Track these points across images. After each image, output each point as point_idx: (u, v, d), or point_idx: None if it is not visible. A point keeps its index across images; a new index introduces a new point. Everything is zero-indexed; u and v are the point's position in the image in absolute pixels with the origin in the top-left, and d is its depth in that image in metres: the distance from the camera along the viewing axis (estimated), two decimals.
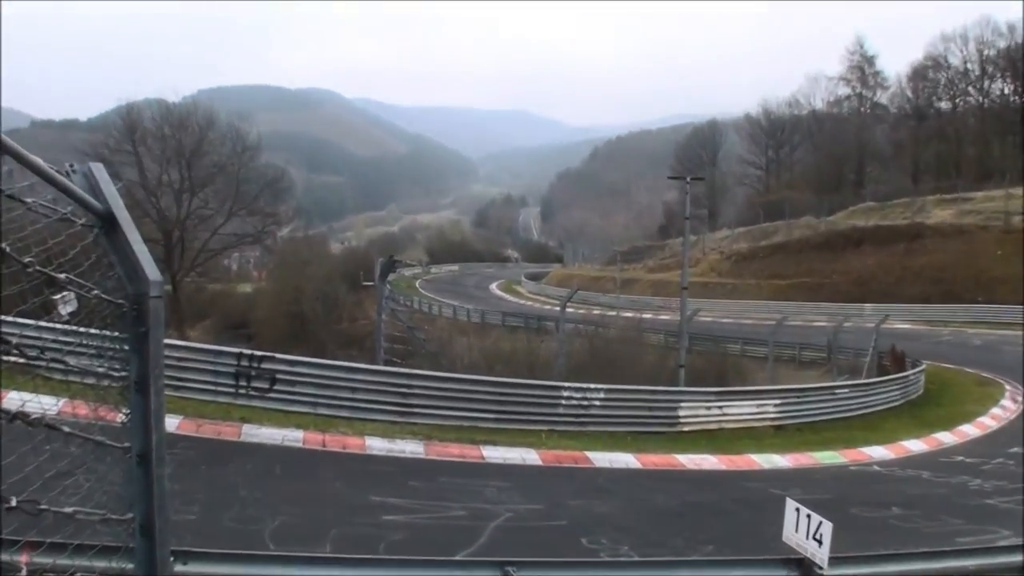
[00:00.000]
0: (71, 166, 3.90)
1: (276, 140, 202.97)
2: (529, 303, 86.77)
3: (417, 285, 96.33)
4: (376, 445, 20.49)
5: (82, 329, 4.06)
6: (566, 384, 26.20)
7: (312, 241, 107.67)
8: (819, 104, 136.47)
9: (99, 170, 4.05)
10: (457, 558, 11.19)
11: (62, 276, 3.59)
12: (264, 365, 22.26)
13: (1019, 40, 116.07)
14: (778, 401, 30.06)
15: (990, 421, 31.95)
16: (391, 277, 33.76)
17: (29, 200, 3.38)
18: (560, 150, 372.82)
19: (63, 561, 4.30)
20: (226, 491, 14.94)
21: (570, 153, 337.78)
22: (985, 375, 41.80)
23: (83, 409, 4.17)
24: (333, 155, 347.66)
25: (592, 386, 26.13)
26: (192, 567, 7.28)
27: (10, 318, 3.61)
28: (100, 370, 4.25)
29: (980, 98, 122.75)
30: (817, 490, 19.91)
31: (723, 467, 23.22)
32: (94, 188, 3.98)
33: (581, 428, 25.03)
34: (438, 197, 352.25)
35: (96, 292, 3.92)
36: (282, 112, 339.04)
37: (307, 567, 7.69)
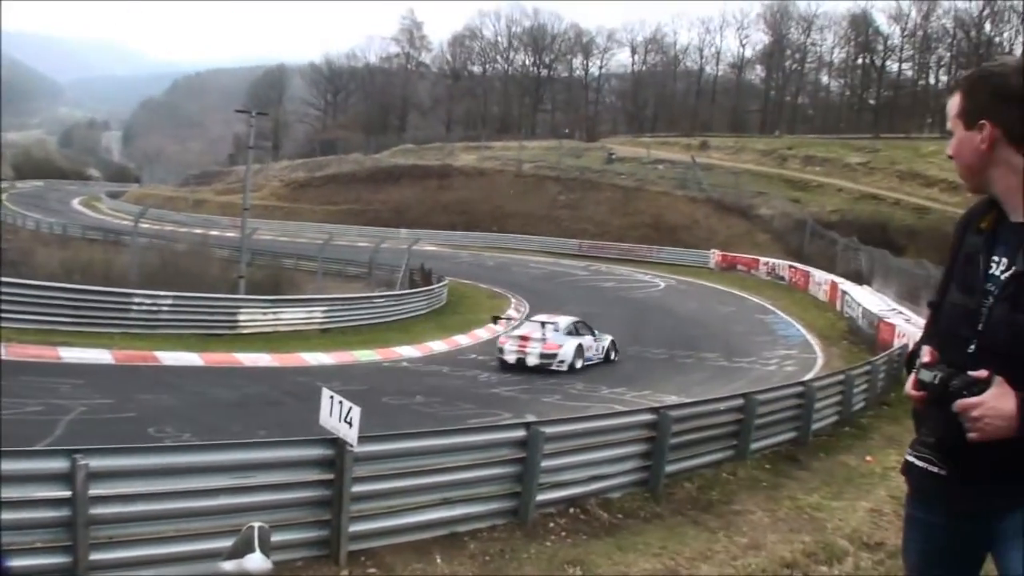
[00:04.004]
0: None
1: None
2: (108, 218, 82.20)
3: (3, 198, 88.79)
4: None
5: None
6: (138, 291, 25.26)
7: None
8: (373, 59, 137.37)
9: None
10: (30, 448, 10.51)
11: None
12: None
13: (541, 22, 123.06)
14: (325, 308, 30.31)
15: (498, 327, 33.52)
16: None
17: None
18: (143, 80, 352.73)
19: None
20: None
21: (152, 84, 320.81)
22: (496, 290, 43.61)
23: None
24: None
25: (162, 293, 25.37)
26: None
27: None
28: None
29: (505, 66, 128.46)
30: (355, 382, 20.11)
31: (276, 364, 23.18)
32: None
33: (152, 331, 24.29)
34: (27, 117, 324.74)
35: None
36: None
37: None
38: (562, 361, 23.87)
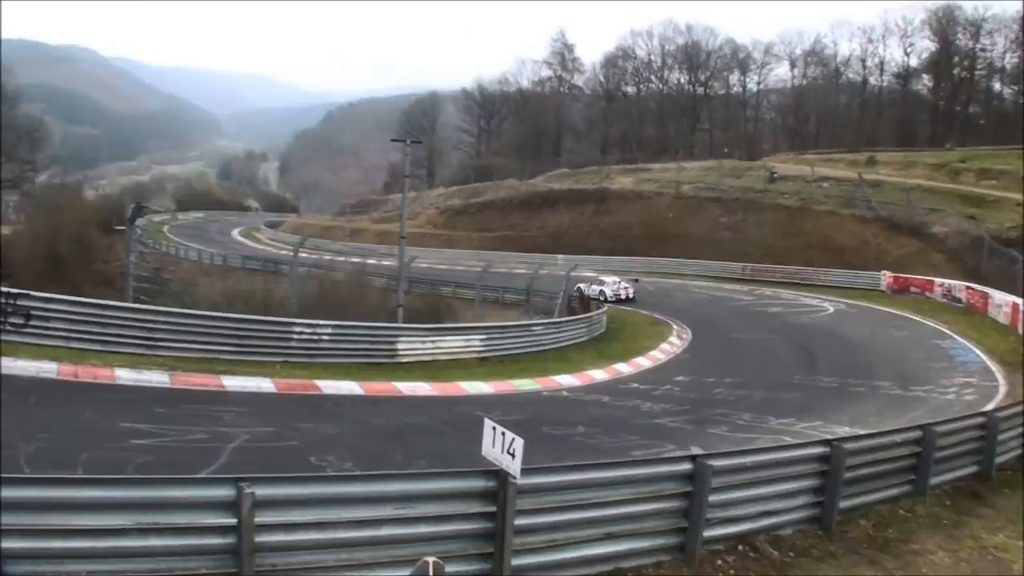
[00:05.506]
0: None
1: (36, 92, 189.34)
2: (267, 248, 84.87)
3: (165, 230, 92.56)
4: (124, 375, 19.61)
5: None
6: (298, 320, 25.79)
7: (67, 187, 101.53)
8: (525, 83, 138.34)
9: None
10: (197, 476, 10.88)
11: None
12: (19, 302, 21.02)
13: (695, 38, 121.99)
14: (483, 336, 30.46)
15: (660, 355, 33.21)
16: (139, 222, 32.39)
17: None
18: (298, 112, 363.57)
19: None
20: None
21: (307, 115, 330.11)
22: (657, 316, 43.45)
23: None
24: (90, 109, 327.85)
25: (321, 322, 25.84)
26: None
27: None
28: None
29: (660, 85, 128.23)
30: (515, 412, 20.22)
31: (436, 393, 23.40)
32: None
33: (312, 359, 24.73)
34: (186, 150, 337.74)
35: None
36: (42, 66, 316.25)
37: (59, 488, 7.32)
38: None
